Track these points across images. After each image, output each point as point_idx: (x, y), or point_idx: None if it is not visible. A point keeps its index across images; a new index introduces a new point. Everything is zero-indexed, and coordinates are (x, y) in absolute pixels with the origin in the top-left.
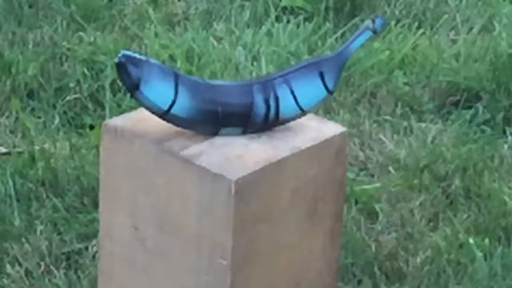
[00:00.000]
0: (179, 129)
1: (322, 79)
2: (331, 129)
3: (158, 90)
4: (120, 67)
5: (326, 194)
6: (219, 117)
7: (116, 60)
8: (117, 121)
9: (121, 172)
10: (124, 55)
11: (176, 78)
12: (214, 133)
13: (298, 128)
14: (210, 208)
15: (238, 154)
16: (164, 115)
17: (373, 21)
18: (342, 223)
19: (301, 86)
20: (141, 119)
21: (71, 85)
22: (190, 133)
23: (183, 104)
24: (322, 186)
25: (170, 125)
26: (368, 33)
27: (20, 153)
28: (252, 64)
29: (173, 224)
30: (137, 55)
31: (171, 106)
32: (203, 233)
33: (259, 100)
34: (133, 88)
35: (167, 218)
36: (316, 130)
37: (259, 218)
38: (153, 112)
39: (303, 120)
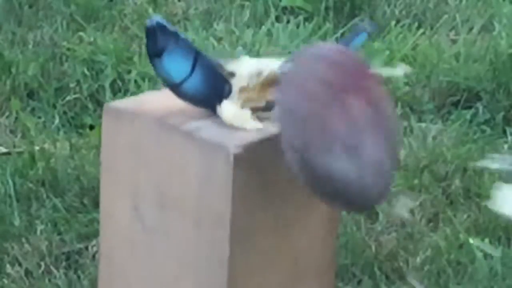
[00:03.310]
0: (179, 108)
1: None
2: None
3: (176, 63)
4: (149, 32)
5: None
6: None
7: (148, 23)
8: (118, 103)
9: (121, 153)
10: (156, 22)
11: (196, 58)
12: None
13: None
14: (209, 179)
15: (238, 129)
16: (174, 87)
17: (365, 24)
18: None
19: None
20: (142, 101)
21: (71, 85)
22: (191, 112)
23: (194, 84)
24: None
25: (170, 105)
26: (364, 36)
27: (20, 153)
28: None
29: (173, 200)
30: (168, 25)
31: (182, 82)
32: (203, 206)
33: None
34: (155, 54)
35: (167, 194)
36: None
37: (258, 191)
38: (164, 82)
39: None
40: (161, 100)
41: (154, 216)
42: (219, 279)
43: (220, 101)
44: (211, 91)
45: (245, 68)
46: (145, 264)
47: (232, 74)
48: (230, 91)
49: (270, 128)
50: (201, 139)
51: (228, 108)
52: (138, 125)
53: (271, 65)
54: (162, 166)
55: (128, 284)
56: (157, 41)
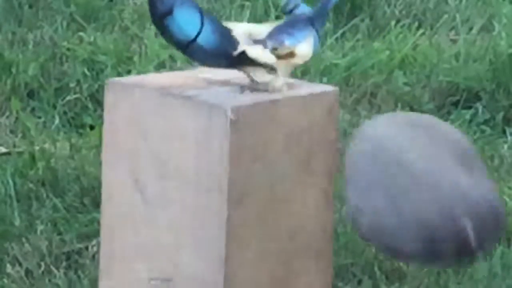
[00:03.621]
0: (178, 83)
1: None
2: (323, 87)
3: (188, 18)
4: None
5: (319, 151)
6: (233, 55)
7: None
8: (119, 78)
9: (123, 128)
10: None
11: (201, 10)
12: (231, 67)
13: (292, 86)
14: (207, 142)
15: (235, 95)
16: (190, 44)
17: None
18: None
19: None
20: (143, 78)
21: (71, 85)
22: (190, 85)
23: (207, 35)
24: (315, 141)
25: (170, 80)
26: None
27: (20, 153)
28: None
29: (172, 169)
30: None
31: (197, 35)
32: (201, 171)
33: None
34: (166, 13)
35: (167, 163)
36: (308, 87)
37: (255, 156)
38: (179, 43)
39: (296, 82)
40: (161, 78)
41: (154, 187)
42: (217, 245)
43: (232, 51)
44: (222, 41)
45: (239, 28)
46: (145, 236)
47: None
48: (238, 42)
49: (265, 96)
50: (199, 101)
51: (255, 49)
52: (139, 95)
53: (258, 28)
54: (162, 135)
55: (129, 256)
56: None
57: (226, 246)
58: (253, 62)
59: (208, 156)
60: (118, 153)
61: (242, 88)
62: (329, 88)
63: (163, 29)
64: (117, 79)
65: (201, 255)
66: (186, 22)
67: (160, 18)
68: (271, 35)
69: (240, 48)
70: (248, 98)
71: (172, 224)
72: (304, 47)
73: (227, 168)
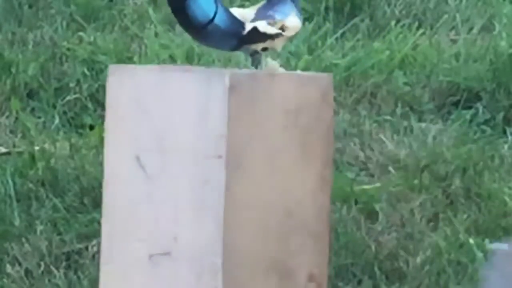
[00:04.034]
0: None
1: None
2: (317, 73)
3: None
4: None
5: (314, 134)
6: (243, 33)
7: None
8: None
9: (124, 106)
10: None
11: None
12: (237, 48)
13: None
14: (206, 109)
15: (233, 69)
16: (209, 24)
17: None
18: (331, 174)
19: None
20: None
21: (71, 85)
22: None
23: (221, 15)
24: (311, 124)
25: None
26: None
27: (20, 153)
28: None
29: (172, 142)
30: None
31: (214, 16)
32: (200, 138)
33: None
34: None
35: (167, 137)
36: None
37: (253, 125)
38: (199, 24)
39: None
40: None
41: (154, 162)
42: (216, 213)
43: (241, 30)
44: (233, 21)
45: (234, 11)
46: (145, 212)
47: None
48: (243, 21)
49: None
50: (198, 71)
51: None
52: (140, 75)
53: (245, 11)
54: (162, 110)
55: (129, 235)
56: None
57: (224, 215)
58: (259, 40)
59: (207, 123)
60: (120, 133)
61: (240, 67)
62: (323, 74)
63: (183, 13)
64: (118, 65)
65: (200, 226)
66: (206, 2)
67: (181, 2)
68: (259, 15)
69: (249, 26)
70: (247, 71)
71: (172, 198)
72: (292, 19)
73: (225, 133)
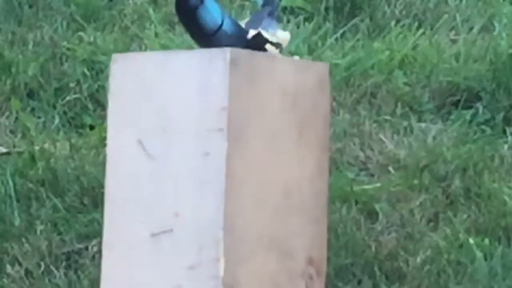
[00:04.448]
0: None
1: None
2: (314, 61)
3: (214, 6)
4: None
5: (312, 121)
6: (246, 38)
7: None
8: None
9: (127, 92)
10: None
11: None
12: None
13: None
14: (208, 85)
15: None
16: (218, 30)
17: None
18: (327, 163)
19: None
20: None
21: (71, 85)
22: None
23: (228, 22)
24: (309, 110)
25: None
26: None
27: (20, 153)
28: None
29: (174, 122)
30: None
31: (222, 22)
32: (202, 113)
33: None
34: (198, 4)
35: (169, 117)
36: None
37: (254, 103)
38: (209, 30)
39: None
40: None
41: (156, 143)
42: (217, 187)
43: (245, 35)
44: (237, 27)
45: None
46: (147, 192)
47: None
48: (245, 28)
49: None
50: (200, 50)
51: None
52: (142, 60)
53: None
54: (164, 87)
55: (131, 215)
56: None
57: (225, 188)
58: (262, 45)
59: (208, 97)
60: (122, 113)
61: None
62: (320, 63)
63: (193, 20)
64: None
65: (202, 200)
66: (214, 10)
67: (193, 8)
68: (251, 27)
69: (253, 32)
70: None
71: (173, 174)
72: (281, 33)
73: (226, 105)
